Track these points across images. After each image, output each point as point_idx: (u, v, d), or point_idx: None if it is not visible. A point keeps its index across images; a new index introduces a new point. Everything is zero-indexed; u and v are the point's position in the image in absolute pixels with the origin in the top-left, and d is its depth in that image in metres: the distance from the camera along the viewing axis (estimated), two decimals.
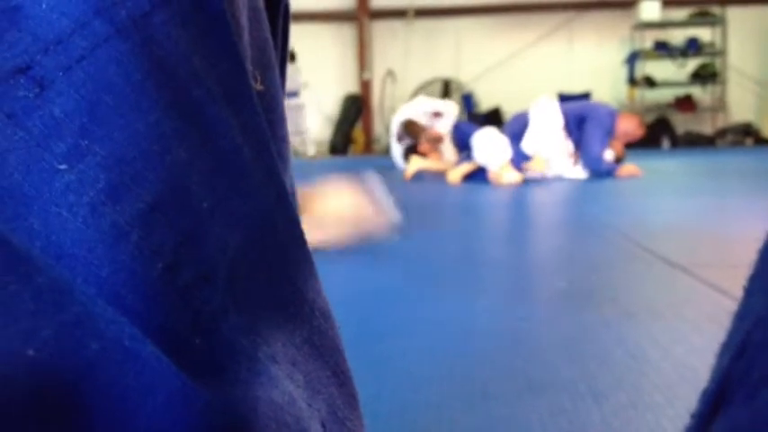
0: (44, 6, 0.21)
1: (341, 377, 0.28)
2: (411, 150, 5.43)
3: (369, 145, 9.04)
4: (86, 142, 0.21)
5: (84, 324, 0.19)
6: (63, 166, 0.21)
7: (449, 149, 5.10)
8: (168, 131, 0.22)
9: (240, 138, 0.24)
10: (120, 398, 0.19)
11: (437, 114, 5.52)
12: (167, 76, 0.22)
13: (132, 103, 0.22)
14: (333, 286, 1.45)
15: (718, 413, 0.21)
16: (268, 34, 0.28)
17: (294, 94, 7.49)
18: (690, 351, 0.96)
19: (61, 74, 0.21)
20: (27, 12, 0.21)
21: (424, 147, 5.21)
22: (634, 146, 8.19)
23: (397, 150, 5.71)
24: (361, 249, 1.97)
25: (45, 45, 0.21)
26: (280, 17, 0.31)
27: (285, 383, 0.24)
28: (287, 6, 0.32)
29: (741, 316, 0.22)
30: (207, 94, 0.23)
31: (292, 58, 7.53)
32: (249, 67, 0.26)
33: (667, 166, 5.08)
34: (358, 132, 9.02)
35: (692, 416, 0.23)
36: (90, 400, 0.18)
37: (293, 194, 0.30)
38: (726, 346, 0.22)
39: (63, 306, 0.19)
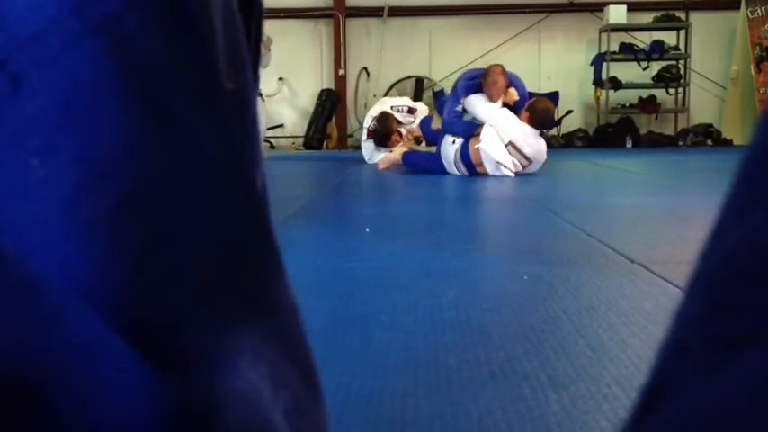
0: (21, 5, 0.21)
1: (305, 370, 0.29)
2: (382, 142, 5.47)
3: (342, 140, 9.04)
4: (59, 139, 0.21)
5: (53, 320, 0.19)
6: (35, 162, 0.21)
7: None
8: (139, 130, 0.23)
9: (210, 138, 0.25)
10: (85, 392, 0.19)
11: (411, 111, 5.58)
12: (139, 76, 0.23)
13: (104, 101, 0.22)
14: (305, 275, 1.44)
15: (656, 407, 0.22)
16: (242, 36, 0.28)
17: None
18: (647, 344, 0.99)
19: (36, 71, 0.21)
20: (3, 10, 0.21)
21: (394, 139, 5.30)
22: (598, 145, 8.38)
23: (367, 147, 5.75)
24: (335, 239, 1.98)
25: (20, 43, 0.21)
26: (253, 17, 0.32)
27: (250, 375, 0.25)
28: (260, 6, 0.32)
29: (679, 317, 0.24)
30: (178, 94, 0.24)
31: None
32: (222, 68, 0.26)
33: (629, 165, 5.19)
34: (331, 127, 9.02)
35: (631, 410, 0.24)
36: (56, 394, 0.19)
37: (264, 192, 0.30)
38: (664, 345, 0.24)
39: (32, 302, 0.19)
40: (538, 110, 4.20)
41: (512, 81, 4.38)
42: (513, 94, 4.31)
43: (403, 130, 5.48)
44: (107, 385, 0.20)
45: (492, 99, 4.25)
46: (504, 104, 4.27)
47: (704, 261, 0.23)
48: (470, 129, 4.29)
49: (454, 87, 4.53)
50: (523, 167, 4.18)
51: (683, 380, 0.21)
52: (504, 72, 4.33)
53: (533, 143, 4.15)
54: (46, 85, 0.21)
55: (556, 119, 8.50)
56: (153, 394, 0.21)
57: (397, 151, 4.88)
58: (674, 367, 0.23)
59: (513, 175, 4.12)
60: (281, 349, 0.27)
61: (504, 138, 4.12)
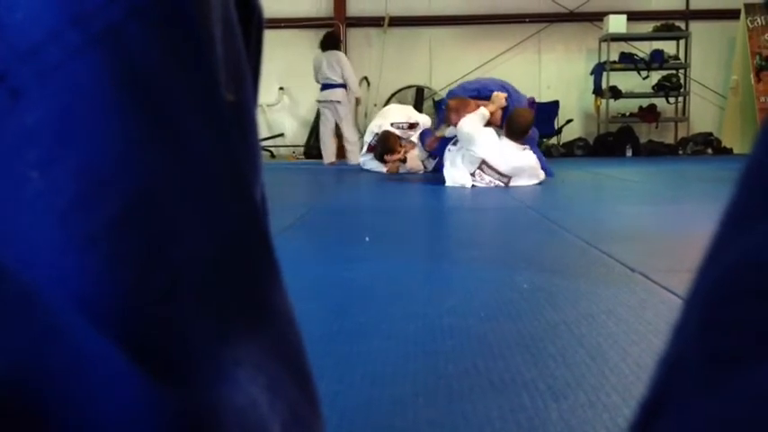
0: (19, 17, 0.21)
1: (303, 381, 0.29)
2: (382, 159, 5.56)
3: (343, 149, 9.07)
4: (58, 150, 0.21)
5: (50, 333, 0.19)
6: (34, 174, 0.21)
7: (413, 160, 5.38)
8: (139, 141, 0.23)
9: (210, 147, 0.25)
10: (82, 404, 0.19)
11: (412, 126, 5.65)
12: (140, 87, 0.23)
13: (104, 112, 0.22)
14: (304, 284, 1.43)
15: (656, 422, 0.22)
16: (241, 46, 0.29)
17: None
18: (648, 353, 0.99)
19: (35, 83, 0.21)
20: (2, 22, 0.21)
21: (393, 161, 5.41)
22: (598, 154, 8.39)
23: (366, 158, 5.85)
24: (334, 247, 1.98)
25: (19, 54, 0.21)
26: (253, 28, 0.32)
27: (248, 387, 0.25)
28: (260, 18, 0.32)
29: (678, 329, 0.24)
30: (178, 105, 0.24)
31: None
32: (222, 78, 0.26)
33: (629, 174, 5.19)
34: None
35: (630, 424, 0.24)
36: (53, 407, 0.19)
37: (263, 201, 0.30)
38: (663, 358, 0.24)
39: (29, 316, 0.19)
40: (511, 120, 4.14)
41: (505, 89, 4.41)
42: (501, 98, 4.34)
43: (400, 150, 5.56)
44: (104, 397, 0.20)
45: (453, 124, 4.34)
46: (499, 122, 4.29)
47: (703, 276, 0.23)
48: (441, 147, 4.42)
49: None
50: (505, 183, 4.13)
51: (683, 395, 0.22)
52: (458, 102, 4.38)
53: (511, 159, 4.07)
54: (45, 97, 0.21)
55: (556, 128, 8.52)
56: (150, 406, 0.21)
57: (415, 163, 5.01)
58: (673, 382, 0.23)
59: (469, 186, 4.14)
60: (280, 360, 0.27)
61: (477, 156, 4.09)
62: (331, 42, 7.11)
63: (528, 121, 4.17)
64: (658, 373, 0.24)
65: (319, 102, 7.23)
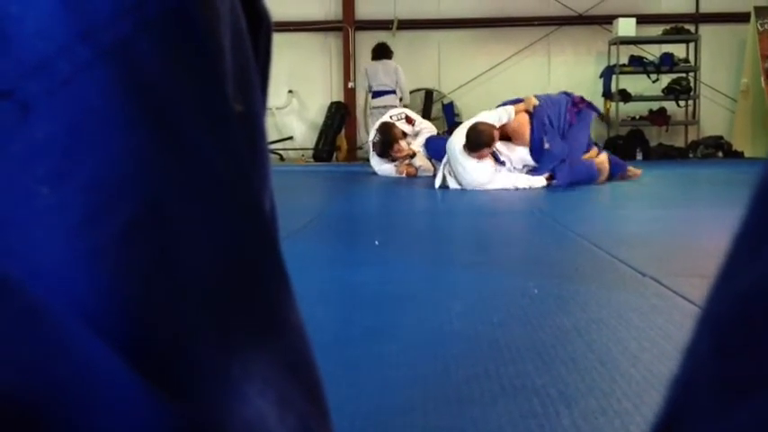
0: (28, 31, 0.21)
1: (313, 392, 0.29)
2: (384, 151, 5.55)
3: (352, 152, 9.08)
4: (67, 166, 0.21)
5: (56, 346, 0.19)
6: (44, 190, 0.21)
7: (421, 158, 5.35)
8: (148, 154, 0.23)
9: (218, 159, 0.25)
10: (88, 418, 0.19)
11: (409, 120, 5.65)
12: (148, 99, 0.23)
13: (113, 126, 0.22)
14: (314, 288, 1.43)
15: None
16: (250, 54, 0.29)
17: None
18: (659, 358, 0.98)
19: (44, 98, 0.21)
20: (11, 36, 0.21)
21: (397, 148, 5.40)
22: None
23: (374, 159, 5.83)
24: (344, 251, 1.98)
25: (28, 69, 0.21)
26: (262, 36, 0.32)
27: (256, 401, 0.24)
28: (269, 25, 0.32)
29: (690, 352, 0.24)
30: (187, 116, 0.24)
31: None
32: (230, 88, 0.26)
33: (639, 177, 5.16)
34: (341, 140, 9.07)
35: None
36: (58, 424, 0.19)
37: (273, 209, 0.30)
38: (673, 381, 0.24)
39: (35, 329, 0.19)
40: (468, 131, 4.10)
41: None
42: (531, 101, 4.35)
43: (404, 144, 5.52)
44: (110, 411, 0.20)
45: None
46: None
47: (715, 299, 0.23)
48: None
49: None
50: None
51: (695, 419, 0.21)
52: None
53: (462, 171, 4.09)
54: (54, 112, 0.21)
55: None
56: (156, 420, 0.21)
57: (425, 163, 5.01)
58: (685, 405, 0.23)
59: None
60: (288, 372, 0.27)
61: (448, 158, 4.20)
62: (383, 52, 7.50)
63: (483, 138, 4.06)
64: (670, 395, 0.24)
65: (373, 108, 7.41)
